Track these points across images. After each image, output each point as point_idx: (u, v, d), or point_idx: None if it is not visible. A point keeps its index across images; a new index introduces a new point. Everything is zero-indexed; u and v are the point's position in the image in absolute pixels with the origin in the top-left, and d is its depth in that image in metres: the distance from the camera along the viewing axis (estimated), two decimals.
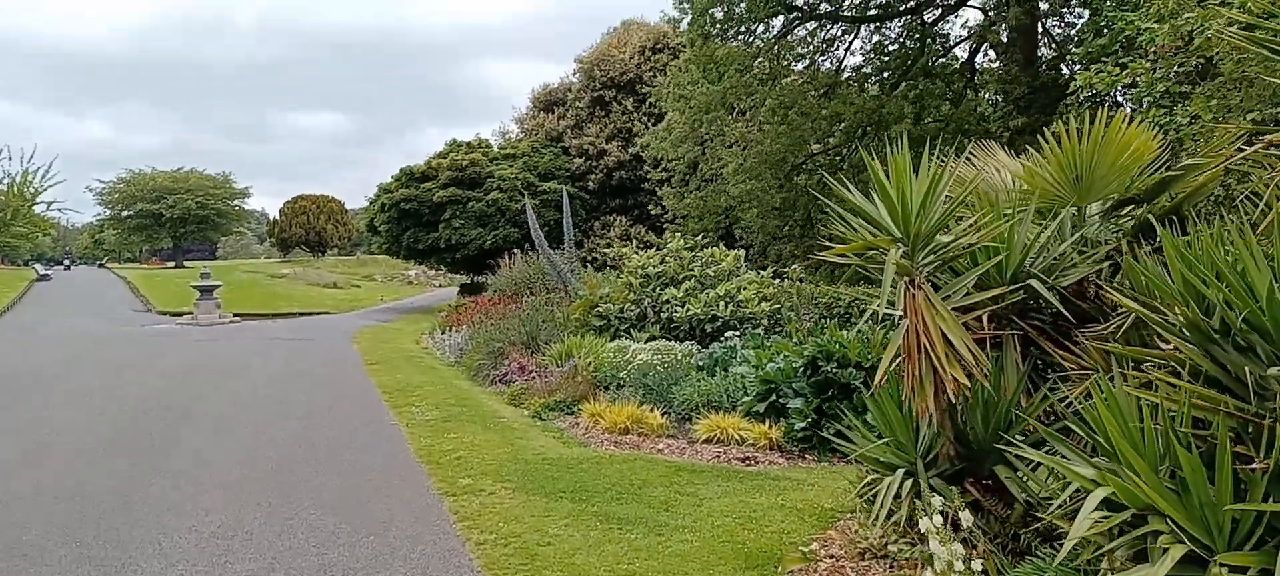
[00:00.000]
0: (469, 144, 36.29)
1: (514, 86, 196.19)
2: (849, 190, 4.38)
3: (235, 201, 67.55)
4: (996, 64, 22.70)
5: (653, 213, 32.22)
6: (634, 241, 27.57)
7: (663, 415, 8.78)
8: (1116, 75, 10.94)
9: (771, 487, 6.48)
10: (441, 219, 33.47)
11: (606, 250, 20.47)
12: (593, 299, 14.19)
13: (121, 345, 20.04)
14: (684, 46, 30.85)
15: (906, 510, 4.34)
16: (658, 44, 36.06)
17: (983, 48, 22.67)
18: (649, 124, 32.46)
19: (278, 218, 74.30)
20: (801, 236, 23.45)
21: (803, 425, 7.74)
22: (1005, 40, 20.58)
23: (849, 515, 5.80)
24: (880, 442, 4.68)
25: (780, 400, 8.21)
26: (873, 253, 4.19)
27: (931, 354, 3.97)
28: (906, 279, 4.08)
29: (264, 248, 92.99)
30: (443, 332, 18.95)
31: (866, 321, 4.61)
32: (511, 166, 34.20)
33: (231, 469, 7.31)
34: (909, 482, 4.36)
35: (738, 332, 11.42)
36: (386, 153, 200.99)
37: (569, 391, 10.23)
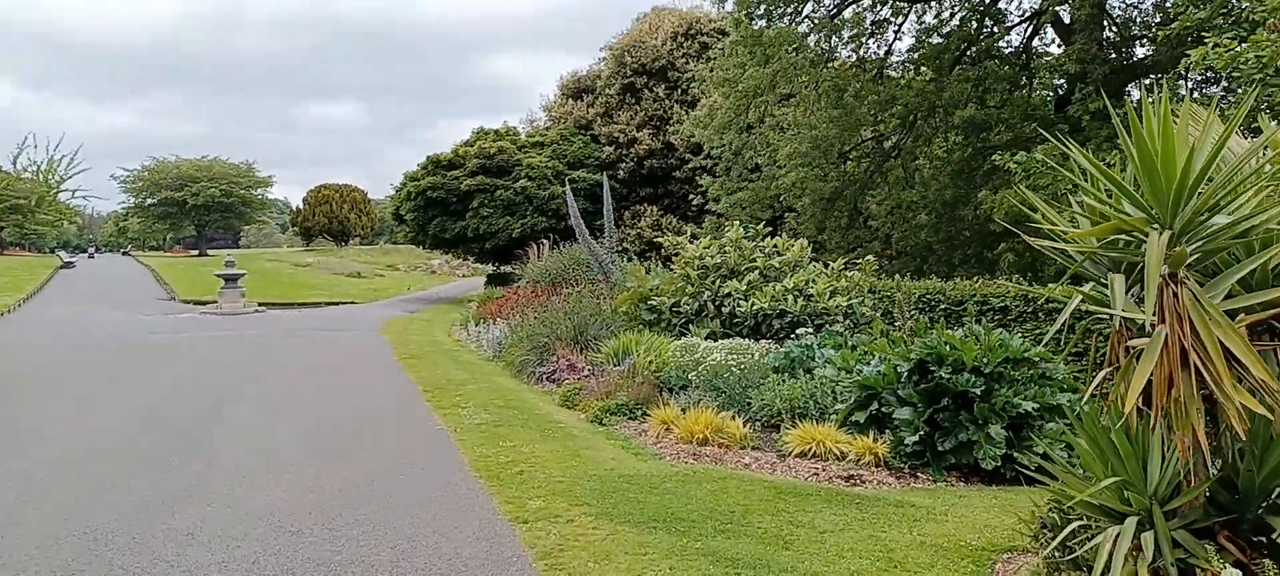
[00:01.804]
0: (496, 132, 35.31)
1: (531, 78, 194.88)
2: (1068, 148, 3.37)
3: (258, 190, 66.93)
4: (1054, 48, 21.43)
5: (689, 202, 31.19)
6: (666, 231, 26.54)
7: (744, 424, 7.82)
8: (1237, 51, 9.84)
9: (896, 516, 5.52)
10: (469, 208, 32.52)
11: (656, 239, 19.53)
12: (641, 291, 13.24)
13: (150, 336, 19.34)
14: (719, 32, 29.77)
15: (1144, 571, 3.36)
16: (690, 30, 34.98)
17: (1040, 32, 21.46)
18: (684, 111, 31.41)
19: (301, 206, 73.86)
20: (848, 227, 22.36)
21: (913, 438, 6.77)
22: (1068, 22, 19.33)
23: (1005, 555, 4.85)
24: (1099, 484, 3.67)
25: (882, 409, 7.24)
26: (1124, 238, 3.20)
27: (1205, 372, 2.99)
28: (1165, 274, 3.10)
29: (286, 236, 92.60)
30: (477, 325, 18.06)
31: (1060, 325, 3.61)
32: (540, 154, 33.26)
33: (270, 490, 6.43)
34: (1147, 536, 3.37)
35: (809, 330, 10.44)
36: (403, 147, 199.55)
37: (630, 393, 9.31)
